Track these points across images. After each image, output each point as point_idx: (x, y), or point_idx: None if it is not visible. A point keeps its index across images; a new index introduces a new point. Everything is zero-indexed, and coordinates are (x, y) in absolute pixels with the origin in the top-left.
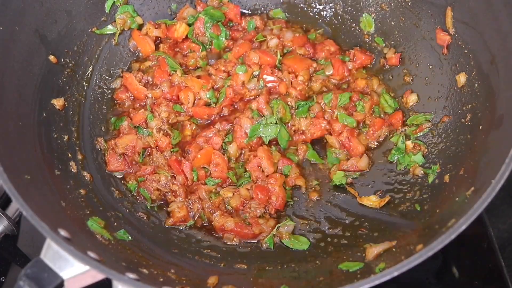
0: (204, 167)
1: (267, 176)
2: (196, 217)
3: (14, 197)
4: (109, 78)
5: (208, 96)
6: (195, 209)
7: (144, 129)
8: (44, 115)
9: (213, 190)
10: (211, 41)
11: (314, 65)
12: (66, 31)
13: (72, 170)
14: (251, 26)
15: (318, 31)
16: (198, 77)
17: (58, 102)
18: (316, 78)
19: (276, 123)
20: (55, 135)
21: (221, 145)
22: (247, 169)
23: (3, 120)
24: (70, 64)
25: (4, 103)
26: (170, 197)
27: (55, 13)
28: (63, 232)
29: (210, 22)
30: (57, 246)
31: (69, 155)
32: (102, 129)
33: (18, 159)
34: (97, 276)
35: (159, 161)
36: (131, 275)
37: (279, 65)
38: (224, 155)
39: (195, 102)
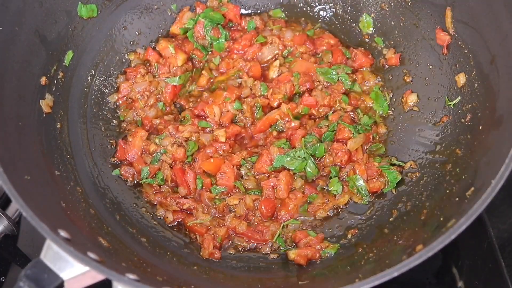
0: (210, 176)
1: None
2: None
3: (14, 197)
4: (110, 84)
5: (235, 107)
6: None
7: (157, 153)
8: (44, 115)
9: (217, 197)
10: (211, 43)
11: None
12: (66, 32)
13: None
14: (251, 26)
15: (315, 26)
16: (221, 89)
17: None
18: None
19: (305, 157)
20: (55, 136)
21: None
22: (261, 184)
23: (3, 120)
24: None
25: (4, 103)
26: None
27: (55, 13)
28: (63, 233)
29: (210, 25)
30: (57, 247)
31: (68, 156)
32: (102, 129)
33: (18, 160)
34: (97, 276)
35: (166, 173)
36: (131, 276)
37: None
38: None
39: (222, 114)
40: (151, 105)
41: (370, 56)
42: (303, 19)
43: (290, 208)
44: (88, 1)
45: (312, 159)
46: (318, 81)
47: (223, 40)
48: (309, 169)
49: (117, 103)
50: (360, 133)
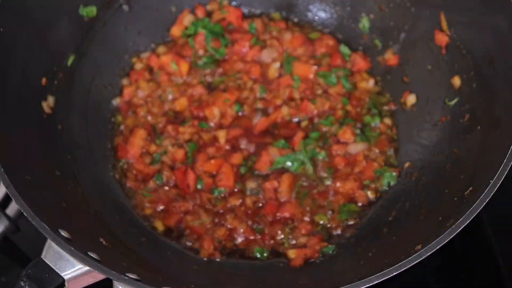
0: (211, 176)
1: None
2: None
3: (14, 197)
4: (111, 86)
5: (235, 109)
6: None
7: (157, 154)
8: (45, 116)
9: (218, 198)
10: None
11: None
12: (66, 33)
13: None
14: (252, 29)
15: (315, 28)
16: (220, 89)
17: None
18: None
19: (303, 161)
20: (56, 136)
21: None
22: (262, 186)
23: (4, 121)
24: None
25: (5, 104)
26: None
27: (57, 14)
28: (63, 233)
29: (210, 37)
30: (58, 247)
31: (69, 156)
32: (103, 130)
33: (19, 160)
34: (98, 276)
35: (166, 175)
36: (132, 275)
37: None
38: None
39: (222, 116)
40: (153, 113)
41: (368, 59)
42: (302, 21)
43: (292, 210)
44: (88, 4)
45: (311, 162)
46: (318, 84)
47: (223, 48)
48: (308, 172)
49: (118, 106)
50: (364, 140)
